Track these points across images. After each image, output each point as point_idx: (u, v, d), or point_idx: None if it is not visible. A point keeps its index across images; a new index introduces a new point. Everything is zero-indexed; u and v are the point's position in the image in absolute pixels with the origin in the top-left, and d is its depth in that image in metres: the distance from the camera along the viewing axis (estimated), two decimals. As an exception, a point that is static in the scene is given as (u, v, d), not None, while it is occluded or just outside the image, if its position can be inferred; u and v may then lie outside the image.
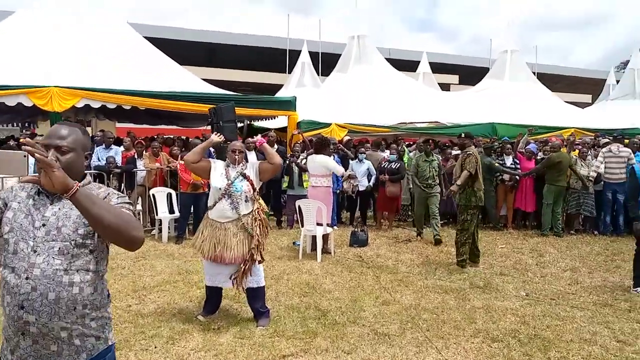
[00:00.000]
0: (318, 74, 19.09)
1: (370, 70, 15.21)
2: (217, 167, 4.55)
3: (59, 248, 1.72)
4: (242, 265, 4.27)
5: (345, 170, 9.05)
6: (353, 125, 11.95)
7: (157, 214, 8.19)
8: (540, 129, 12.06)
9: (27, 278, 1.69)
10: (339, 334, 4.26)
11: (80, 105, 9.35)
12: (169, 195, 8.36)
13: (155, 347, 3.92)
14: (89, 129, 8.57)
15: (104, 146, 8.44)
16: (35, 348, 1.73)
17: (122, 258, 6.76)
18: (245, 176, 4.45)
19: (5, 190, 1.87)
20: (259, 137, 4.70)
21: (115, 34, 11.88)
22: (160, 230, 8.17)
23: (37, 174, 1.57)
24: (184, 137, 13.26)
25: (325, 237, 7.21)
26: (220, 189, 4.38)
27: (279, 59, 33.10)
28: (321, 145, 7.41)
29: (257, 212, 4.46)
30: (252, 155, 8.80)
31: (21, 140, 1.50)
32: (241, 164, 4.56)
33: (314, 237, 7.31)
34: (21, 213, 1.77)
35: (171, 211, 8.31)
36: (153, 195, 8.22)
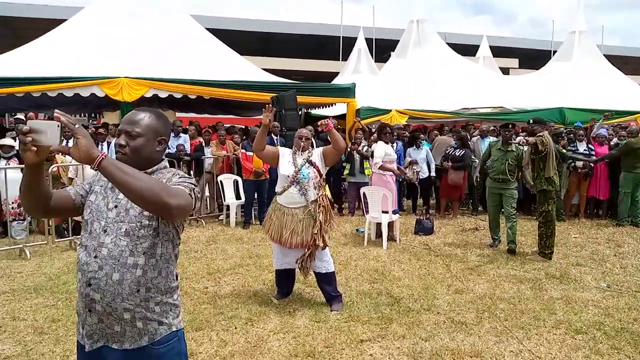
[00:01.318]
0: (374, 61, 18.93)
1: (430, 54, 14.86)
2: (285, 155, 4.60)
3: (126, 229, 1.76)
4: (306, 250, 4.34)
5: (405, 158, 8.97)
6: (413, 111, 11.75)
7: (224, 200, 8.42)
8: (614, 113, 11.40)
9: (95, 257, 1.75)
10: (414, 321, 4.23)
11: (148, 95, 9.71)
12: (236, 182, 8.57)
13: (236, 328, 4.04)
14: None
15: (173, 134, 8.73)
16: (100, 326, 1.78)
17: (194, 242, 7.01)
18: (311, 163, 4.49)
19: (93, 175, 1.93)
20: (329, 120, 4.68)
21: (179, 26, 12.23)
22: (227, 215, 8.40)
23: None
24: (243, 127, 13.51)
25: (390, 225, 7.16)
26: (288, 176, 4.44)
27: (333, 46, 33.01)
28: (379, 132, 7.36)
29: (322, 198, 4.50)
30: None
31: (55, 114, 1.53)
32: (307, 151, 4.59)
33: (378, 225, 7.29)
34: (100, 195, 1.84)
35: (238, 197, 8.51)
36: (220, 181, 8.45)
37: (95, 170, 1.57)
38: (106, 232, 1.76)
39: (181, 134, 8.74)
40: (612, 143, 9.22)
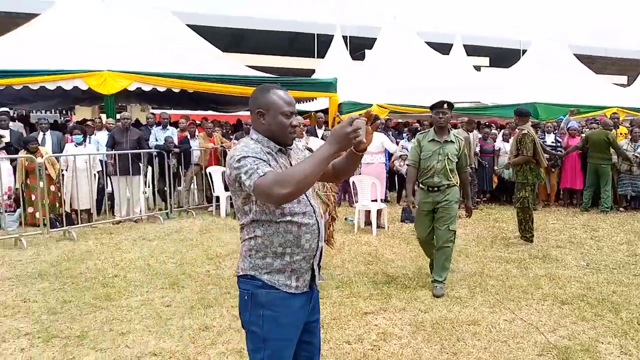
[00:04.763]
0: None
1: (408, 51, 15.22)
2: None
3: (315, 190, 2.06)
4: (329, 228, 4.62)
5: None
6: (394, 105, 12.06)
7: (213, 191, 8.53)
8: (583, 109, 11.96)
9: (315, 218, 2.03)
10: (412, 296, 4.49)
11: (132, 88, 9.71)
12: (224, 174, 8.67)
13: (245, 305, 4.20)
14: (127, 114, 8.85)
15: (161, 127, 8.79)
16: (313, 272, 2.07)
17: (188, 231, 7.12)
18: (310, 150, 4.69)
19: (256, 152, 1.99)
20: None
21: (160, 21, 12.25)
22: (217, 207, 8.51)
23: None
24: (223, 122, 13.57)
25: (379, 212, 7.42)
26: None
27: (308, 43, 33.23)
28: (375, 122, 7.59)
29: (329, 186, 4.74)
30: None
31: (363, 112, 1.85)
32: (304, 137, 4.82)
33: (367, 212, 7.54)
34: (283, 168, 2.00)
35: (226, 188, 8.63)
36: (209, 173, 8.55)
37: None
38: (307, 196, 2.02)
39: (169, 127, 8.80)
40: (583, 135, 9.74)
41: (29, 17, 12.67)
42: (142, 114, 15.75)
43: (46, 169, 6.82)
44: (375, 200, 7.26)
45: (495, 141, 9.77)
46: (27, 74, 8.79)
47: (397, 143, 9.50)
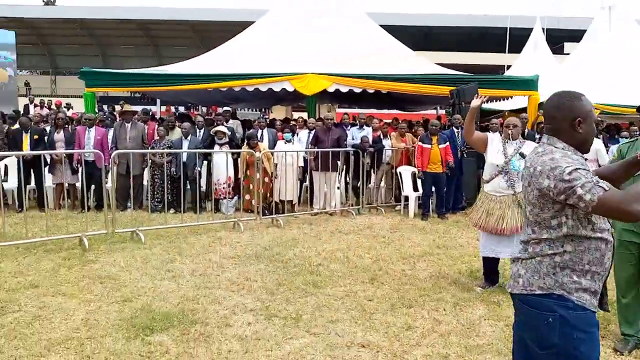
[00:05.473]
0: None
1: (625, 44, 13.32)
2: (494, 142, 4.62)
3: None
4: None
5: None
6: (607, 106, 10.70)
7: (403, 191, 8.64)
8: None
9: (612, 236, 1.95)
10: None
11: (331, 89, 10.37)
12: (414, 174, 8.72)
13: (445, 310, 4.17)
14: (330, 115, 9.47)
15: (358, 127, 9.23)
16: None
17: (379, 228, 7.33)
18: (523, 155, 4.42)
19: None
20: None
21: (356, 25, 12.78)
22: (405, 206, 8.61)
23: None
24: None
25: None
26: (497, 165, 4.45)
27: (495, 38, 31.40)
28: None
29: None
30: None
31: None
32: (517, 140, 4.56)
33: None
34: None
35: (415, 189, 8.66)
36: (399, 172, 8.68)
37: None
38: None
39: (364, 127, 9.18)
40: None
41: (244, 25, 14.29)
42: (328, 114, 16.73)
43: (262, 162, 7.71)
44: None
45: None
46: (245, 77, 10.01)
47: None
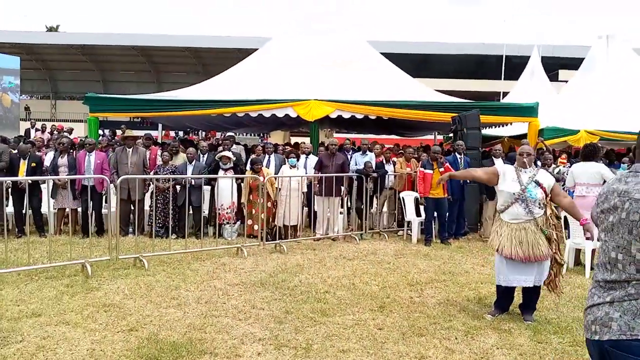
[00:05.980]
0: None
1: (623, 71, 13.52)
2: (507, 172, 4.63)
3: None
4: (551, 269, 4.30)
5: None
6: (606, 132, 10.79)
7: (405, 216, 8.61)
8: None
9: None
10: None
11: (333, 115, 10.44)
12: (416, 199, 8.71)
13: (456, 339, 4.10)
14: (334, 140, 9.72)
15: (360, 152, 9.26)
16: None
17: (383, 254, 7.27)
18: (538, 183, 4.45)
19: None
20: None
21: (357, 51, 12.95)
22: (408, 231, 8.57)
23: None
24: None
25: (594, 252, 6.65)
26: (514, 194, 4.45)
27: (492, 66, 31.90)
28: (594, 152, 6.89)
29: (551, 216, 4.48)
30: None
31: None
32: (531, 168, 4.59)
33: (577, 251, 6.85)
34: None
35: (418, 214, 8.63)
36: (402, 198, 8.66)
37: None
38: None
39: (367, 152, 9.20)
40: None
41: (245, 52, 14.48)
42: (325, 139, 16.83)
43: (266, 187, 7.69)
44: (590, 239, 6.51)
45: None
46: (249, 104, 10.09)
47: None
